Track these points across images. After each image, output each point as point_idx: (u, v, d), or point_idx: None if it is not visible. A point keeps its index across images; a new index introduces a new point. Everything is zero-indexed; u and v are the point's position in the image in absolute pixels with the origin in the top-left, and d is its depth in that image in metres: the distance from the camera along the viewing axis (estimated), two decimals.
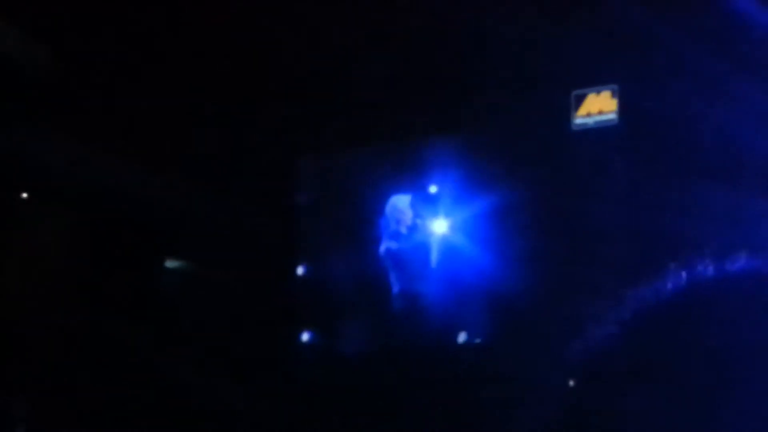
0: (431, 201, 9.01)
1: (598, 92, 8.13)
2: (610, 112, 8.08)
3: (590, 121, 8.15)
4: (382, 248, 8.79)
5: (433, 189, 9.04)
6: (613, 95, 8.09)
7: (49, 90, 8.26)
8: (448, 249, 8.89)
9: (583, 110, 8.16)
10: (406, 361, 8.65)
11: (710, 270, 1.83)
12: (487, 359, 8.43)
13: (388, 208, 8.79)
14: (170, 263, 9.12)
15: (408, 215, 8.75)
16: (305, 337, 9.20)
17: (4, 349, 7.96)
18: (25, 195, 8.53)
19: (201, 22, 8.12)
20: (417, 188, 8.99)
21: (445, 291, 8.86)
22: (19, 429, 7.76)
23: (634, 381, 1.79)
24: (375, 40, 8.22)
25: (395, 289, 8.81)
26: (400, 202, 8.79)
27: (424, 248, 8.78)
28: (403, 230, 8.75)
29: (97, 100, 8.46)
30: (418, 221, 8.76)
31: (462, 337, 8.75)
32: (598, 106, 8.13)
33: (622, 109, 8.02)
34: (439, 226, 8.95)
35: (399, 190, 8.93)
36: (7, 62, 7.95)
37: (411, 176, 8.97)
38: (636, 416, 1.74)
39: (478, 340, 8.74)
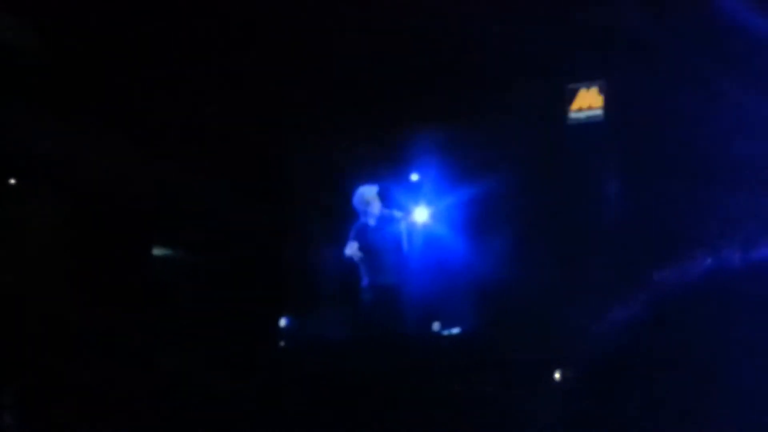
0: (413, 189, 9.02)
1: (588, 88, 8.18)
2: (598, 107, 8.14)
3: (581, 116, 8.20)
4: (350, 241, 8.70)
5: (414, 177, 9.06)
6: (600, 91, 8.15)
7: (45, 78, 8.26)
8: (426, 238, 8.92)
9: (575, 105, 8.21)
10: (380, 349, 8.67)
11: (697, 263, 1.83)
12: (466, 348, 8.47)
13: (356, 200, 8.75)
14: (158, 250, 9.15)
15: (375, 206, 8.67)
16: (284, 322, 9.25)
17: None
18: (13, 181, 8.53)
19: (202, 15, 8.14)
20: (402, 177, 9.01)
21: (419, 280, 8.86)
22: (9, 419, 7.76)
23: (611, 371, 1.79)
24: (368, 35, 8.22)
25: (365, 281, 8.74)
26: (367, 193, 8.72)
27: (394, 238, 8.74)
28: (371, 221, 8.69)
29: (92, 89, 8.46)
30: (386, 211, 8.70)
31: (436, 327, 8.76)
32: (588, 102, 8.18)
33: (608, 105, 8.07)
34: (420, 215, 8.96)
35: (385, 179, 8.92)
36: (2, 50, 7.95)
37: (399, 166, 8.98)
38: (617, 411, 1.74)
39: (456, 330, 8.76)
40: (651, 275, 1.82)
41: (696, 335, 1.73)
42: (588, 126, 8.18)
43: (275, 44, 8.39)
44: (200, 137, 8.73)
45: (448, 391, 7.89)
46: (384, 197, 8.70)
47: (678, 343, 1.72)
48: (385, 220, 8.62)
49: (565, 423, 1.80)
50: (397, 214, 8.68)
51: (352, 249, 8.53)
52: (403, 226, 8.70)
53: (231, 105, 8.63)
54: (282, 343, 9.11)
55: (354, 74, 8.50)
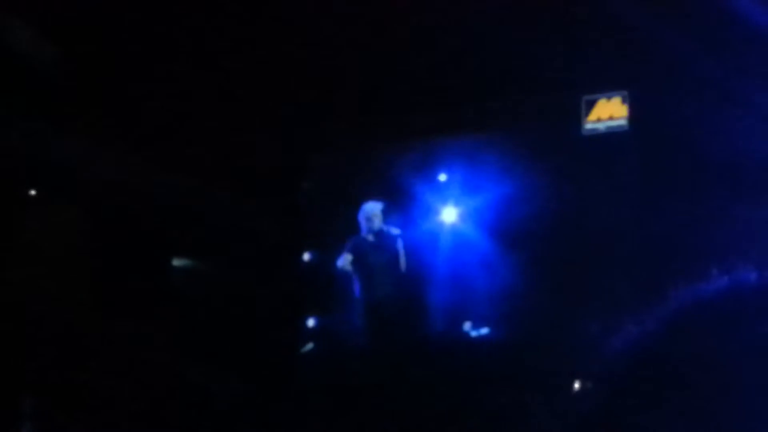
0: (441, 189, 9.14)
1: (609, 98, 8.15)
2: (621, 117, 8.10)
3: (601, 126, 8.17)
4: (346, 252, 8.81)
5: (442, 177, 9.17)
6: (624, 101, 8.10)
7: (61, 88, 8.32)
8: (453, 238, 9.03)
9: (593, 115, 8.18)
10: (394, 353, 8.73)
11: (716, 275, 1.84)
12: (485, 354, 8.52)
13: (360, 214, 8.85)
14: (181, 257, 9.24)
15: (377, 222, 8.78)
16: (311, 322, 9.35)
17: (15, 346, 8.00)
18: (33, 192, 8.61)
19: (213, 24, 8.18)
20: (430, 178, 9.11)
21: (443, 282, 9.00)
22: (27, 425, 7.76)
23: (632, 378, 1.80)
24: (392, 45, 8.26)
25: (358, 293, 8.87)
26: (372, 209, 8.82)
27: (390, 254, 8.87)
28: (370, 237, 8.80)
29: (110, 100, 8.52)
30: (385, 228, 8.81)
31: (467, 326, 8.88)
32: (609, 112, 8.14)
33: (633, 115, 8.02)
34: (448, 215, 9.10)
35: (406, 186, 9.06)
36: (19, 60, 8.00)
37: (420, 174, 9.10)
38: (637, 418, 1.76)
39: (484, 331, 8.83)
40: (678, 288, 1.82)
41: (719, 348, 1.74)
42: (608, 136, 8.14)
43: (298, 57, 8.46)
44: (221, 148, 8.82)
45: (462, 396, 7.92)
46: (387, 215, 8.84)
47: (700, 355, 1.73)
48: (382, 237, 8.75)
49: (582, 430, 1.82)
50: (395, 231, 8.80)
51: (344, 261, 8.67)
52: (400, 244, 8.81)
53: (255, 114, 8.70)
54: (308, 346, 9.21)
55: (379, 84, 8.57)
